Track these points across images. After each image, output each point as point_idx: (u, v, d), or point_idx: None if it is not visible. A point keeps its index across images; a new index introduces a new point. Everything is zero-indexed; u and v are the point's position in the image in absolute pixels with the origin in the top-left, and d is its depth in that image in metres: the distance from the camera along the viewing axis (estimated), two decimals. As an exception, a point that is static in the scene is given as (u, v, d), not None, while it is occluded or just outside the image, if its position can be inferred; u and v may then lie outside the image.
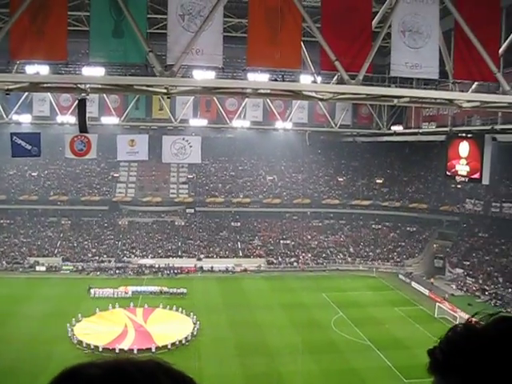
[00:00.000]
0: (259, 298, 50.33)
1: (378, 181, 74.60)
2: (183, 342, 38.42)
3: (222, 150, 72.27)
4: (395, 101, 26.40)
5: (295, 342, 37.38)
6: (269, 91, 24.33)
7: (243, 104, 44.50)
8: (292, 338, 39.26)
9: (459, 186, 65.80)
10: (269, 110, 47.34)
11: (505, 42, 21.73)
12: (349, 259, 65.21)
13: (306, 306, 47.98)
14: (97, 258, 61.11)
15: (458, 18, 19.46)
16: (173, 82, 20.51)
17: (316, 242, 67.52)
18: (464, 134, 37.90)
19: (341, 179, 74.58)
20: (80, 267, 58.98)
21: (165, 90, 22.51)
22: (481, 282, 55.81)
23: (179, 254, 63.09)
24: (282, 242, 67.09)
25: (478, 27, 19.39)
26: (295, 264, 63.23)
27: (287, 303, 48.22)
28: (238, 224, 69.09)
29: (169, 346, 37.15)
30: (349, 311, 46.37)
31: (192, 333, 39.90)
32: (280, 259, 63.58)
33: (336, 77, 21.77)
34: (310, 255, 64.89)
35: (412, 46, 19.57)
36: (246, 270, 60.41)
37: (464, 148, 35.97)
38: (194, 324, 41.56)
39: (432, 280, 58.02)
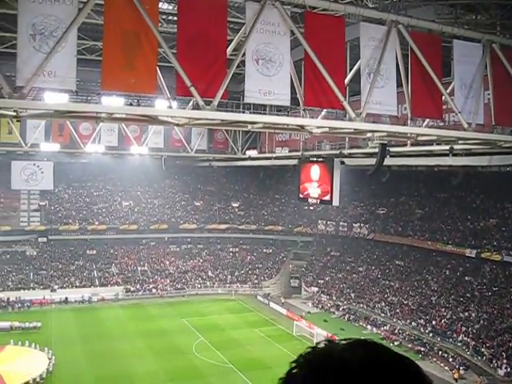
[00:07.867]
0: (118, 327, 48.76)
1: (234, 204, 76.05)
2: (38, 380, 35.35)
3: (76, 175, 70.14)
4: (249, 126, 27.07)
5: (157, 370, 36.62)
6: (124, 116, 23.95)
7: (97, 128, 43.46)
8: (153, 366, 38.60)
9: (312, 208, 69.00)
10: (124, 134, 46.60)
11: (350, 72, 23.32)
12: (208, 283, 65.40)
13: (166, 332, 47.29)
14: None
15: (308, 50, 20.52)
16: (22, 105, 19.43)
17: (174, 268, 67.01)
18: (315, 158, 39.80)
19: (197, 204, 75.01)
20: None
21: (14, 113, 21.37)
22: (335, 298, 58.56)
23: (31, 285, 59.30)
24: (139, 268, 65.84)
25: (326, 59, 20.57)
26: (154, 290, 62.17)
27: (147, 331, 47.15)
28: (94, 252, 66.58)
29: (22, 386, 34.36)
30: (210, 335, 46.37)
31: (47, 369, 37.18)
32: (138, 286, 62.24)
33: (191, 102, 21.96)
34: (168, 281, 64.21)
35: (265, 74, 20.27)
36: (103, 299, 58.19)
37: (315, 171, 37.67)
38: (49, 359, 38.81)
39: (283, 300, 59.71)
